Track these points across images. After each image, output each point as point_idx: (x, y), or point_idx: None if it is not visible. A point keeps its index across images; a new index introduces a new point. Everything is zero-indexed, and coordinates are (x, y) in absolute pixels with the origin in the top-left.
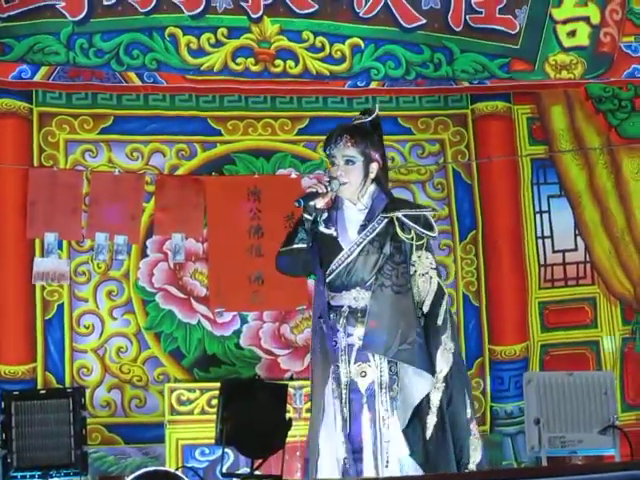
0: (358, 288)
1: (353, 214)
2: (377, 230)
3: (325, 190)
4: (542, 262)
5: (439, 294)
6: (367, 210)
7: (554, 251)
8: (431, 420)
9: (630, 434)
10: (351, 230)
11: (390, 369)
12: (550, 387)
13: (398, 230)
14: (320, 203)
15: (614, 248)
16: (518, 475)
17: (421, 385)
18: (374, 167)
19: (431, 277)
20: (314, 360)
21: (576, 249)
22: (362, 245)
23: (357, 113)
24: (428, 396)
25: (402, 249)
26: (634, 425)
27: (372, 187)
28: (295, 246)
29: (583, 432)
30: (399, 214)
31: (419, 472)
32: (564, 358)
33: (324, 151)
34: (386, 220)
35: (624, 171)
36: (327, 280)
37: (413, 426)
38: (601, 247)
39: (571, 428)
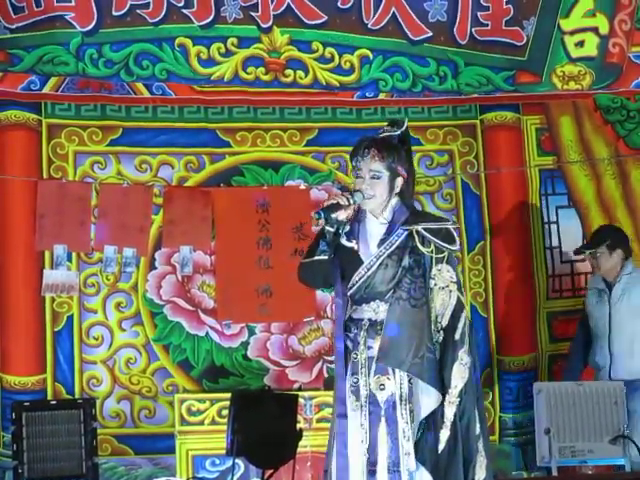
0: (377, 301)
1: (375, 227)
2: (396, 243)
3: (347, 202)
4: (550, 273)
5: (458, 308)
6: (388, 223)
7: (562, 262)
8: (444, 434)
9: None
10: (372, 243)
11: (410, 381)
12: (560, 397)
13: (418, 243)
14: (342, 215)
15: None
16: None
17: (426, 401)
18: (399, 182)
19: (451, 291)
20: (337, 372)
21: (584, 260)
22: (381, 259)
23: (366, 124)
24: (442, 410)
25: (421, 262)
26: None
27: (394, 200)
28: (317, 258)
29: (593, 442)
30: (419, 227)
31: None
32: None
33: (350, 162)
34: (406, 233)
35: (632, 181)
36: (349, 293)
37: (425, 439)
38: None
39: (581, 438)
